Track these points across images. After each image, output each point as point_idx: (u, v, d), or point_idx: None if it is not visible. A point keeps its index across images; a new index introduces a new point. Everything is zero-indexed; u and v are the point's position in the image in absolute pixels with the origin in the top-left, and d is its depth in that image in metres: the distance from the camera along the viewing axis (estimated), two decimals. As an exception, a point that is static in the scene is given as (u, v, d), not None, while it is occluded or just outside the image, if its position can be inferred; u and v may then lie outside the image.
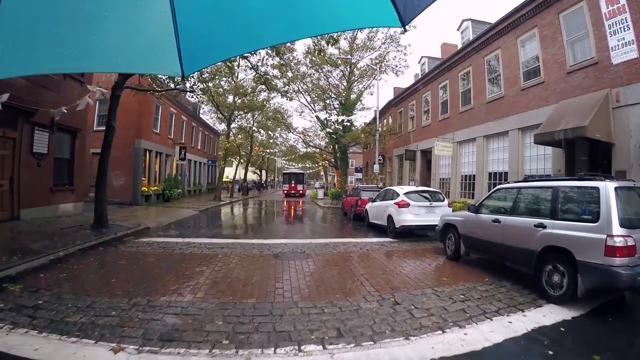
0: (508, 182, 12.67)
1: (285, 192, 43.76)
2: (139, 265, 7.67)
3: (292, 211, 23.92)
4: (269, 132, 38.85)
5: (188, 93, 17.77)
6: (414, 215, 11.41)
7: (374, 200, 14.30)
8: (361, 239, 11.84)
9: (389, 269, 7.51)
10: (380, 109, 25.92)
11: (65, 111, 11.17)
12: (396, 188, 13.34)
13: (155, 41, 1.85)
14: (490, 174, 15.86)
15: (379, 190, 16.98)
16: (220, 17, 1.80)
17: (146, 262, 8.06)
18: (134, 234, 11.67)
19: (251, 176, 74.63)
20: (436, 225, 10.12)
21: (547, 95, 12.89)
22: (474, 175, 16.87)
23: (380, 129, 24.95)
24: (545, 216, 6.02)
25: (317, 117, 32.18)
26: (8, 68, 1.62)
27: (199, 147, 36.41)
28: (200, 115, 39.47)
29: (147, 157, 23.72)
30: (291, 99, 26.25)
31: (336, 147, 34.21)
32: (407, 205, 11.52)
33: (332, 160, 38.86)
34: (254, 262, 7.97)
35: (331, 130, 28.52)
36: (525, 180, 7.12)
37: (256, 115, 39.11)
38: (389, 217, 12.05)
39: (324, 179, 67.83)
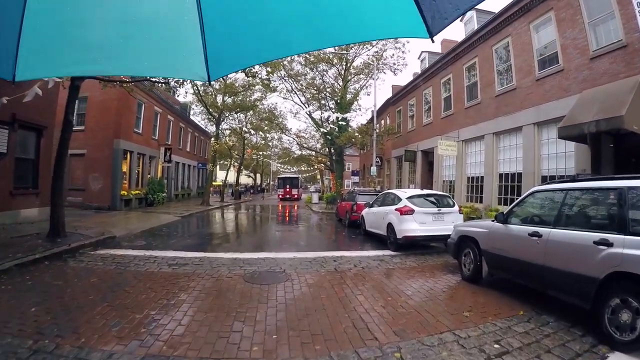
0: (542, 184, 11.08)
1: (280, 196, 43.39)
2: (75, 288, 6.06)
3: (282, 217, 22.08)
4: (262, 133, 37.04)
5: (177, 93, 15.94)
6: (419, 224, 9.62)
7: (371, 206, 12.60)
8: (356, 252, 10.15)
9: (391, 297, 5.75)
10: (377, 108, 24.25)
11: (5, 102, 9.43)
12: (397, 192, 11.45)
13: (181, 45, 1.83)
14: (500, 175, 14.17)
15: (376, 194, 15.27)
16: (248, 22, 1.76)
17: (86, 283, 6.42)
18: (93, 245, 10.12)
19: (246, 180, 73.41)
20: (446, 235, 8.49)
21: (568, 84, 11.27)
22: (482, 177, 15.18)
23: (377, 128, 23.23)
24: (610, 229, 4.27)
25: (309, 114, 30.45)
26: (33, 69, 1.64)
27: (187, 149, 34.63)
28: (191, 117, 37.79)
29: (129, 158, 21.97)
30: (274, 90, 24.67)
31: (331, 148, 32.63)
32: (411, 211, 9.73)
33: (328, 162, 37.21)
34: (216, 287, 6.20)
35: (326, 130, 26.80)
36: (573, 180, 5.35)
37: (249, 116, 37.56)
38: (390, 225, 10.28)
39: (320, 182, 66.27)
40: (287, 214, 23.92)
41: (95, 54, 1.69)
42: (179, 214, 19.36)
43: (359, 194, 16.04)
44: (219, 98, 28.45)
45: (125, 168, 21.83)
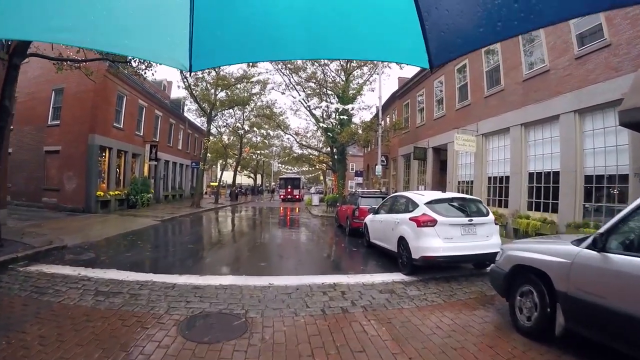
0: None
1: (282, 197, 43.29)
2: None
3: (274, 222, 19.68)
4: (262, 131, 35.01)
5: (145, 75, 13.70)
6: (444, 240, 7.03)
7: (376, 212, 10.20)
8: (357, 275, 7.43)
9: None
10: (383, 102, 22.06)
11: None
12: (411, 194, 8.70)
13: (168, 30, 1.71)
14: (531, 174, 11.91)
15: (383, 197, 13.07)
16: (240, 17, 1.66)
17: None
18: (29, 258, 8.20)
19: (246, 180, 71.32)
20: (480, 255, 6.32)
21: (618, 62, 9.11)
22: (506, 177, 12.92)
23: (383, 123, 20.98)
24: None
25: (308, 108, 28.16)
26: (10, 29, 1.56)
27: (179, 147, 32.51)
28: (186, 114, 35.72)
29: (107, 155, 19.87)
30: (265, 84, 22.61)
31: (333, 147, 30.43)
32: (432, 222, 7.16)
33: (330, 162, 35.01)
34: (124, 347, 4.00)
35: (325, 126, 24.62)
36: None
37: (246, 113, 35.49)
38: (402, 240, 7.78)
39: (323, 183, 64.24)
40: (280, 219, 21.62)
41: (73, 21, 1.50)
42: (159, 217, 17.23)
43: (362, 197, 13.72)
44: (212, 91, 26.39)
45: (102, 166, 19.76)
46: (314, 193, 38.05)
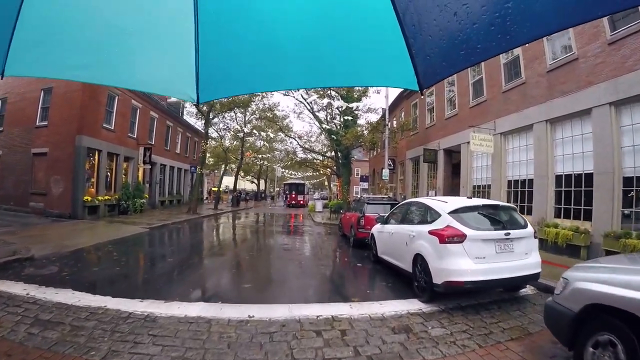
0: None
1: (287, 202, 43.43)
2: None
3: (271, 231, 18.15)
4: (262, 134, 33.89)
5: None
6: (476, 260, 5.53)
7: (386, 221, 8.82)
8: (362, 304, 5.84)
9: None
10: (390, 103, 20.85)
11: None
12: (431, 201, 7.06)
13: (176, 64, 1.84)
14: (559, 176, 10.64)
15: (391, 203, 11.87)
16: (243, 52, 1.78)
17: None
18: None
19: (250, 186, 70.25)
20: (517, 277, 5.47)
21: (662, 47, 7.91)
22: (530, 180, 11.66)
23: (390, 124, 19.75)
24: None
25: (311, 110, 27.06)
26: (23, 66, 1.63)
27: (177, 151, 31.46)
28: (186, 117, 34.75)
29: (96, 158, 18.82)
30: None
31: (337, 150, 29.29)
32: (461, 238, 5.62)
33: (335, 167, 33.83)
34: None
35: (329, 127, 23.48)
36: None
37: (248, 116, 34.47)
38: (419, 259, 6.28)
39: (327, 189, 63.06)
40: (279, 227, 20.17)
41: (88, 59, 1.66)
42: (149, 225, 16.09)
43: (368, 203, 12.26)
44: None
45: (91, 169, 18.70)
46: (317, 199, 36.60)
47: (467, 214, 6.11)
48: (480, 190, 14.31)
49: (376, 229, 9.42)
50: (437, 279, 5.69)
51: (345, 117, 21.19)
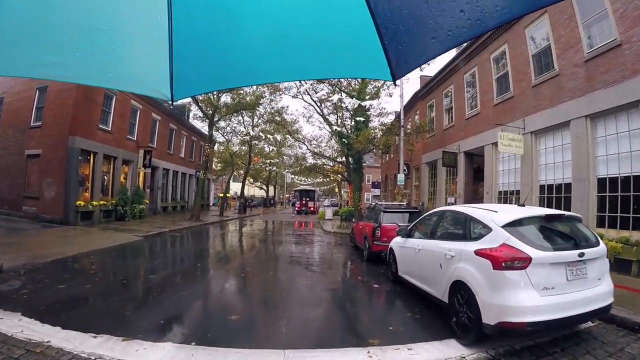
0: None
1: (297, 208, 43.19)
2: None
3: (276, 242, 16.25)
4: (270, 137, 33.02)
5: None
6: (543, 292, 4.06)
7: (409, 233, 7.35)
8: (384, 349, 4.34)
9: None
10: (404, 103, 19.60)
11: None
12: (475, 211, 5.39)
13: (149, 62, 1.84)
14: (602, 180, 9.26)
15: (411, 211, 10.70)
16: (216, 48, 1.79)
17: None
18: None
19: (259, 192, 69.40)
20: (591, 312, 4.17)
21: None
22: (567, 184, 10.30)
23: (405, 125, 18.47)
24: None
25: (321, 112, 25.95)
26: (3, 67, 1.67)
27: (182, 155, 30.56)
28: (192, 121, 33.91)
29: (91, 160, 17.90)
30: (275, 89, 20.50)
31: (348, 155, 28.12)
32: (524, 261, 4.13)
33: (345, 172, 32.64)
34: None
35: (339, 129, 22.29)
36: None
37: (256, 120, 33.60)
38: (459, 288, 4.80)
39: (337, 195, 61.93)
40: (285, 237, 18.65)
41: (62, 58, 1.66)
42: (144, 232, 15.04)
43: (385, 212, 10.67)
44: (215, 94, 24.46)
45: (85, 172, 17.80)
46: (327, 206, 35.33)
47: (528, 228, 4.59)
48: (508, 197, 12.92)
49: (396, 242, 7.96)
50: (489, 318, 4.16)
51: (357, 119, 19.97)
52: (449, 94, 18.25)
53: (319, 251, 13.62)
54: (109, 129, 18.88)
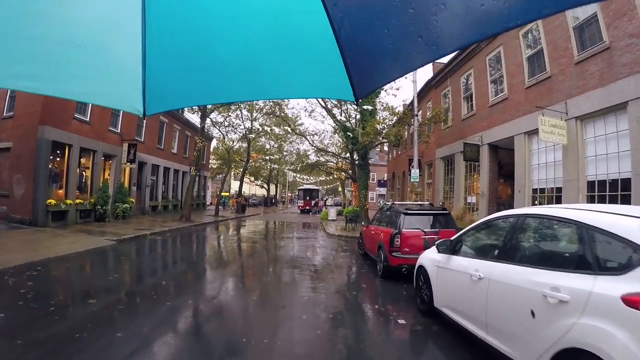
0: None
1: (300, 207, 43.95)
2: None
3: (270, 248, 14.01)
4: (267, 129, 31.37)
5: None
6: None
7: (454, 248, 5.28)
8: None
9: None
10: (417, 91, 17.81)
11: None
12: (601, 217, 3.10)
13: (122, 77, 1.87)
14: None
15: (439, 214, 8.85)
16: (188, 67, 1.86)
17: None
18: None
19: (260, 191, 67.75)
20: None
21: None
22: (624, 180, 8.52)
23: (419, 115, 16.65)
24: None
25: (323, 103, 24.26)
26: None
27: (174, 151, 28.87)
28: (187, 115, 32.15)
29: (66, 154, 16.24)
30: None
31: (353, 151, 26.37)
32: None
33: (349, 170, 30.91)
34: None
35: (344, 119, 20.52)
36: None
37: (255, 114, 31.92)
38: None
39: (341, 194, 60.34)
40: (282, 241, 16.53)
41: (34, 70, 1.67)
42: (119, 236, 13.34)
43: (406, 214, 8.58)
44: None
45: (58, 167, 16.17)
46: (330, 205, 33.52)
47: None
48: (546, 195, 11.12)
49: (432, 259, 5.86)
50: None
51: (365, 107, 18.18)
52: (468, 79, 16.46)
53: (321, 262, 11.16)
54: (87, 119, 17.19)
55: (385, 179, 42.76)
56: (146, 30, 1.67)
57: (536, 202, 11.31)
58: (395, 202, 10.79)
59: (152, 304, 6.31)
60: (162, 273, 9.58)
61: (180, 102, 2.58)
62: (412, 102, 17.29)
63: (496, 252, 4.34)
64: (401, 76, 1.57)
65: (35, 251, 9.74)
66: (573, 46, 10.29)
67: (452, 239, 5.48)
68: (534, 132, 11.46)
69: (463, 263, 4.89)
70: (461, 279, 4.75)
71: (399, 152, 31.41)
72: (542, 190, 11.28)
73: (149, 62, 1.77)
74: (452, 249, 5.30)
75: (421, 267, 6.24)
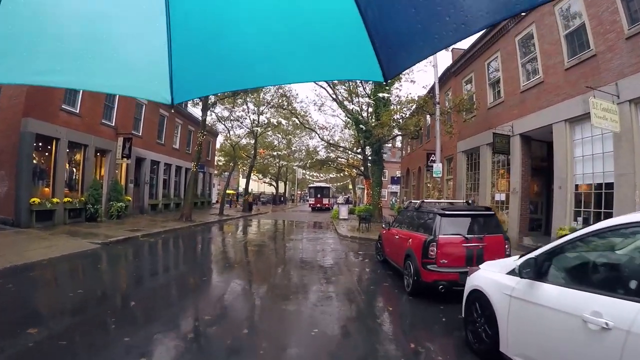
0: None
1: (311, 205, 45.08)
2: None
3: (274, 254, 12.73)
4: (273, 121, 30.40)
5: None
6: None
7: (540, 270, 3.58)
8: None
9: None
10: (438, 76, 16.48)
11: None
12: None
13: (148, 66, 1.90)
14: None
15: (484, 215, 7.34)
16: (214, 54, 1.85)
17: None
18: None
19: (269, 189, 66.86)
20: None
21: None
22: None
23: (439, 100, 15.29)
24: None
25: (334, 97, 23.14)
26: (2, 75, 1.73)
27: (176, 146, 27.86)
28: (191, 109, 31.18)
29: (53, 148, 15.22)
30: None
31: (365, 145, 25.17)
32: None
33: (361, 166, 29.68)
34: None
35: (356, 109, 19.27)
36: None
37: (263, 108, 30.91)
38: None
39: (352, 192, 59.30)
40: (288, 245, 15.00)
41: (60, 65, 1.71)
42: (107, 239, 12.30)
43: (443, 215, 7.05)
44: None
45: (47, 163, 15.18)
46: (341, 203, 32.23)
47: None
48: (593, 192, 9.73)
49: (498, 283, 4.27)
50: None
51: (380, 95, 16.95)
52: (495, 63, 15.08)
53: (333, 272, 9.51)
54: (77, 111, 16.16)
55: (398, 175, 41.39)
56: (171, 16, 1.70)
57: (580, 200, 9.96)
58: (423, 201, 9.08)
59: (106, 339, 4.81)
60: (135, 289, 7.84)
61: (207, 89, 2.62)
62: (432, 88, 15.95)
63: (635, 284, 2.75)
64: (431, 55, 1.78)
65: (3, 257, 8.67)
66: (622, 19, 8.95)
67: (536, 256, 3.71)
68: (577, 120, 10.12)
69: (565, 297, 3.24)
70: (561, 323, 3.20)
71: (414, 147, 30.09)
72: (588, 186, 9.90)
73: (175, 50, 1.79)
74: (538, 270, 3.63)
75: (477, 291, 4.65)
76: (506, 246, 6.88)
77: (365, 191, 32.32)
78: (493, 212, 7.43)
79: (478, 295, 4.60)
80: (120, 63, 1.80)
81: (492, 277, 4.46)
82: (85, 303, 6.40)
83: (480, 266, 4.96)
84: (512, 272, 4.01)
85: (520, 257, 4.11)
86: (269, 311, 6.52)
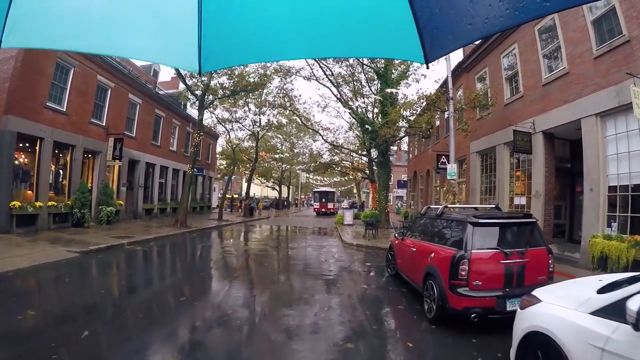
0: None
1: (316, 210, 44.72)
2: None
3: (270, 268, 11.23)
4: (274, 121, 29.77)
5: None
6: None
7: None
8: None
9: None
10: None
11: None
12: None
13: (177, 32, 1.84)
14: None
15: (525, 224, 6.07)
16: (246, 22, 1.80)
17: None
18: None
19: (272, 193, 66.15)
20: None
21: None
22: None
23: (453, 95, 14.34)
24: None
25: (339, 97, 22.35)
26: (27, 39, 1.71)
27: (172, 148, 27.07)
28: (190, 110, 30.46)
29: (37, 149, 14.44)
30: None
31: (371, 147, 24.33)
32: None
33: (366, 169, 28.84)
34: None
35: (363, 107, 18.41)
36: None
37: (264, 109, 30.18)
38: None
39: (357, 196, 58.50)
40: (288, 254, 13.94)
41: (83, 28, 1.68)
42: (89, 247, 11.46)
43: (476, 225, 5.70)
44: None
45: (30, 164, 14.40)
46: (346, 208, 31.10)
47: None
48: (630, 195, 8.76)
49: (583, 328, 2.93)
50: None
51: (388, 90, 16.11)
52: (512, 56, 14.15)
53: (338, 291, 8.12)
54: (63, 109, 15.39)
55: (404, 179, 40.44)
56: None
57: (616, 204, 8.98)
58: (447, 206, 7.71)
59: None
60: (98, 313, 6.26)
61: (237, 59, 2.46)
62: (445, 82, 15.03)
63: None
64: (477, 40, 1.55)
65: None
66: (665, -3, 8.03)
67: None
68: (609, 113, 9.18)
69: None
70: None
71: (422, 149, 29.16)
72: (624, 189, 8.91)
73: (205, 16, 1.72)
74: None
75: (540, 334, 3.34)
76: (550, 262, 5.67)
77: (371, 195, 31.34)
78: (535, 220, 6.17)
79: (543, 342, 3.28)
80: (148, 28, 1.77)
81: (568, 317, 3.13)
82: (32, 329, 5.19)
83: (539, 296, 3.73)
84: (601, 313, 2.87)
85: (609, 287, 2.98)
86: (265, 348, 5.08)
